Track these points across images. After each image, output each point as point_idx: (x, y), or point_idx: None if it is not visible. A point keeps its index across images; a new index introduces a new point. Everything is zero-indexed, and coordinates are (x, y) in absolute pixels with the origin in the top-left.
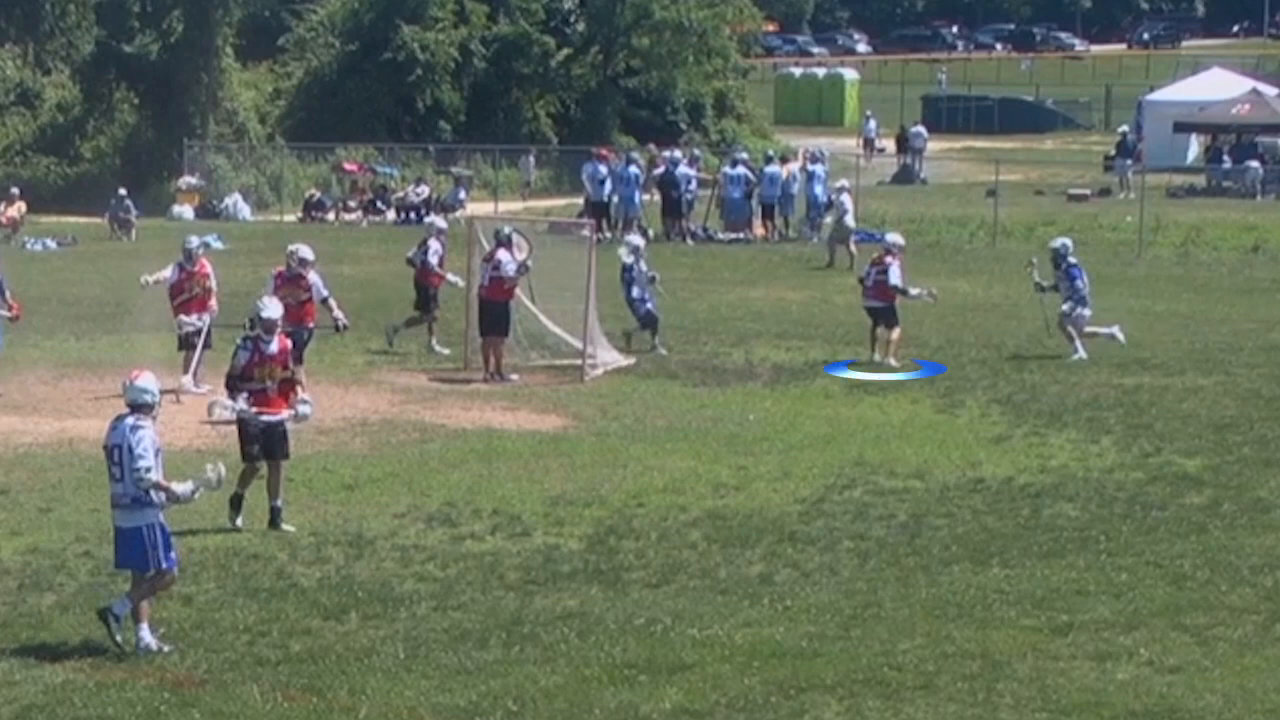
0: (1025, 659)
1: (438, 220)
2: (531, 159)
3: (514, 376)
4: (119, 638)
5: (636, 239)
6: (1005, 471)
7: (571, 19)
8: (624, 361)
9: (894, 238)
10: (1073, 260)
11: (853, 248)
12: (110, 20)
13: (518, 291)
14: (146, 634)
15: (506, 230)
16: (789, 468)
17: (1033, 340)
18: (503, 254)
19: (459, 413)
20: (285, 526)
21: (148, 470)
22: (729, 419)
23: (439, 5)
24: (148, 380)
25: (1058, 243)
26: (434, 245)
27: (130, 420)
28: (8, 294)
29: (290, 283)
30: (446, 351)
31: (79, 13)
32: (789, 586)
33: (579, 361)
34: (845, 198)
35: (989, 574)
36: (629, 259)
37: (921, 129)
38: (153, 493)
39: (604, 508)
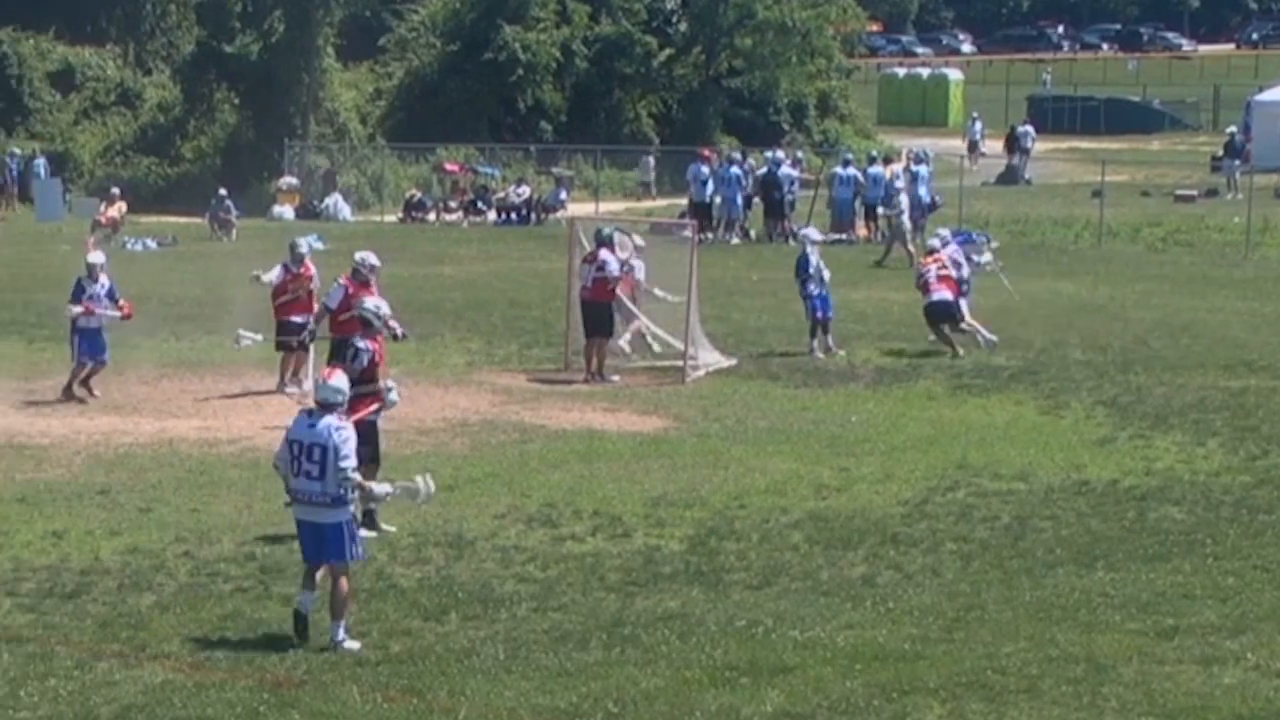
0: (1130, 663)
1: (607, 230)
2: (651, 159)
3: (615, 378)
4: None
5: (815, 233)
6: (1110, 474)
7: (674, 19)
8: (725, 363)
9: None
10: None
11: (910, 247)
12: (211, 20)
13: (618, 292)
14: (343, 632)
15: (607, 230)
16: (891, 469)
17: (1138, 342)
18: (605, 254)
19: (559, 413)
20: (385, 526)
21: (354, 470)
22: (831, 420)
23: (541, 5)
24: (340, 380)
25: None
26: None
27: (331, 420)
28: (120, 298)
29: (362, 289)
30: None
31: (180, 13)
32: (891, 589)
33: (680, 363)
34: (903, 198)
35: (1094, 577)
36: (814, 256)
37: (1030, 128)
38: (351, 490)
39: (705, 509)
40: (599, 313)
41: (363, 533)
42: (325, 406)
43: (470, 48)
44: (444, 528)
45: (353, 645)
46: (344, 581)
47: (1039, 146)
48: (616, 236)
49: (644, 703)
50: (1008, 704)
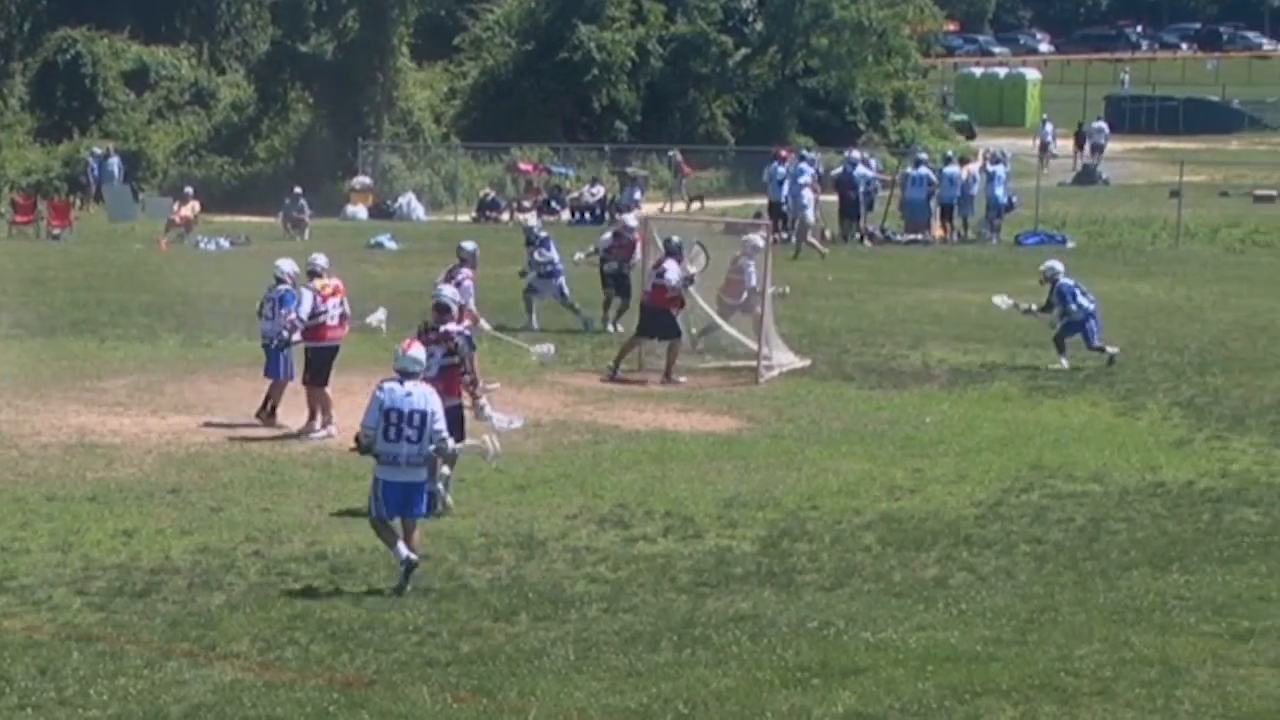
0: (1205, 666)
1: (676, 239)
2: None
3: (682, 379)
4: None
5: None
6: (1186, 476)
7: (749, 18)
8: (799, 363)
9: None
10: (1065, 281)
11: (813, 239)
12: (286, 20)
13: (692, 290)
14: (405, 550)
15: (676, 240)
16: (965, 470)
17: (1216, 343)
18: (668, 263)
19: (632, 414)
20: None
21: (445, 431)
22: (905, 421)
23: (616, 5)
24: (419, 351)
25: (1046, 265)
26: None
27: (422, 387)
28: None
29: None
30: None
31: (254, 12)
32: (964, 590)
33: (754, 363)
34: (805, 193)
35: (1169, 579)
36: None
37: (1103, 125)
38: (437, 447)
39: (777, 510)
40: (656, 317)
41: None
42: (409, 375)
43: (545, 47)
44: (515, 528)
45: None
46: (419, 532)
47: (1117, 146)
48: (695, 249)
49: (715, 703)
50: (1081, 706)
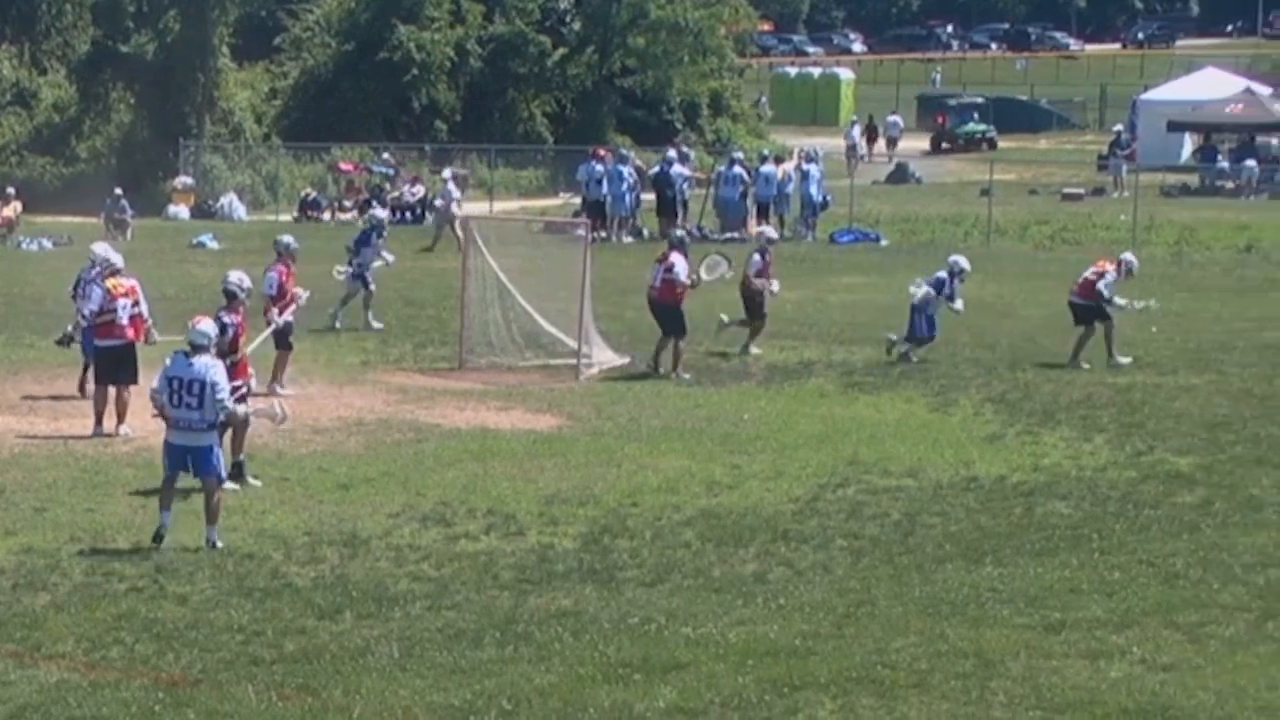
0: (1018, 657)
1: (678, 233)
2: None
3: (687, 375)
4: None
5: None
6: (998, 470)
7: (567, 19)
8: (619, 361)
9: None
10: (943, 278)
11: (458, 230)
12: (106, 20)
13: (512, 288)
14: (216, 534)
15: (679, 233)
16: (783, 467)
17: (1027, 339)
18: (675, 256)
19: (454, 412)
20: (252, 480)
21: (229, 399)
22: (723, 418)
23: (435, 5)
24: (208, 325)
25: (952, 259)
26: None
27: (205, 359)
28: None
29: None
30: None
31: (75, 12)
32: (783, 585)
33: (574, 361)
34: (451, 187)
35: (982, 572)
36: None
37: (898, 119)
38: (223, 415)
39: (598, 507)
40: (667, 314)
41: (229, 486)
42: (197, 348)
43: (365, 47)
44: (339, 526)
45: (220, 544)
46: (218, 494)
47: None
48: (710, 259)
49: (537, 700)
50: (897, 699)
